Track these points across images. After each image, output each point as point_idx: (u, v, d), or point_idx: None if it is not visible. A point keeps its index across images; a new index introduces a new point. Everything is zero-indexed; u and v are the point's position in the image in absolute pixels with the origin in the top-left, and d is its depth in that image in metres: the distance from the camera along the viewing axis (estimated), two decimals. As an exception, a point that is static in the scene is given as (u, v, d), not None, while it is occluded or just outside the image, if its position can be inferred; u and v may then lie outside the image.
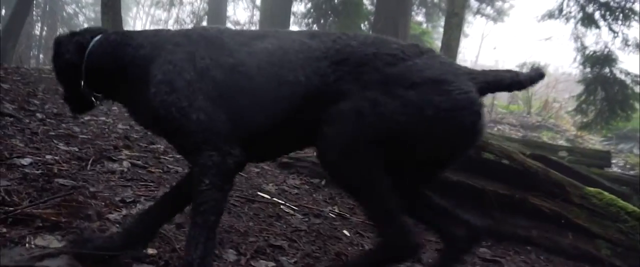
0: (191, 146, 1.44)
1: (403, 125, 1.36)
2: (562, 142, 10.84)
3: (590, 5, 9.68)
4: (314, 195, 3.04)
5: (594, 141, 11.37)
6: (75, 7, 22.85)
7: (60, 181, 2.23)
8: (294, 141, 1.60)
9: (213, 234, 1.39)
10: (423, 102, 1.36)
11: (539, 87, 14.00)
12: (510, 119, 12.34)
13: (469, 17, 18.02)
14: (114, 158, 2.79)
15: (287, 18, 12.76)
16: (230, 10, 18.89)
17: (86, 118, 4.38)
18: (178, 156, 3.34)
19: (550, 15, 10.29)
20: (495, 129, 11.28)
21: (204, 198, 1.38)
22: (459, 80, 1.39)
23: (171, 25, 20.88)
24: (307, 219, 2.49)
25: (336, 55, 1.46)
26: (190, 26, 19.64)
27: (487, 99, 12.91)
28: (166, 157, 3.20)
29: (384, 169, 1.40)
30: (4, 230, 1.57)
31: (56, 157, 2.55)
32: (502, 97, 14.70)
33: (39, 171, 2.27)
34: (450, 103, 1.36)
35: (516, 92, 14.27)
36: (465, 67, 1.48)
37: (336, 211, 2.77)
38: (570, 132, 11.87)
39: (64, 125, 3.90)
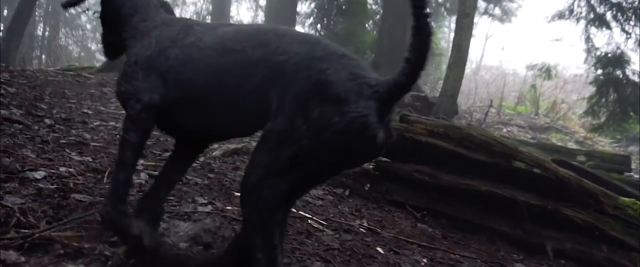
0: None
1: (305, 149, 1.28)
2: (571, 145, 10.69)
3: (601, 6, 9.52)
4: (340, 206, 2.89)
5: (603, 143, 11.20)
6: (78, 8, 22.70)
7: (77, 196, 2.08)
8: (239, 119, 1.53)
9: (128, 170, 1.61)
10: (324, 123, 1.26)
11: (546, 88, 13.86)
12: (518, 120, 12.19)
13: (475, 17, 17.90)
14: (130, 169, 2.63)
15: (292, 18, 12.61)
16: (233, 10, 18.73)
17: (95, 123, 4.23)
18: (195, 166, 3.20)
19: (560, 15, 10.13)
20: (504, 130, 11.12)
21: (121, 137, 1.66)
22: (360, 101, 1.26)
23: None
24: (338, 235, 2.34)
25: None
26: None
27: (496, 100, 12.75)
28: (183, 167, 3.04)
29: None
30: (22, 259, 1.42)
31: (70, 169, 2.40)
32: (510, 98, 14.55)
33: (54, 186, 2.12)
34: (343, 126, 1.25)
35: (524, 93, 14.12)
36: (374, 79, 1.32)
37: (365, 225, 2.62)
38: (580, 134, 11.71)
39: (73, 131, 3.75)
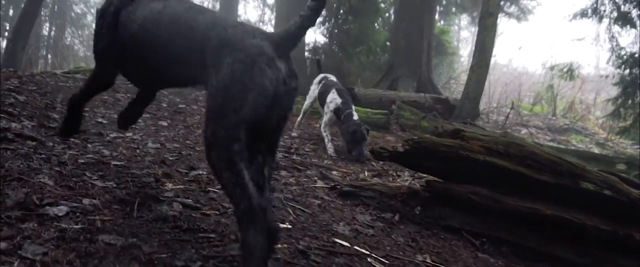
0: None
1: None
2: (592, 147, 10.34)
3: (627, 4, 9.15)
4: (393, 236, 2.56)
5: (624, 145, 10.84)
6: (84, 7, 22.41)
7: (106, 238, 1.75)
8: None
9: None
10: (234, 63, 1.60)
11: (563, 88, 13.48)
12: (535, 121, 11.82)
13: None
14: (160, 197, 2.31)
15: (303, 18, 12.23)
16: (240, 9, 18.37)
17: (112, 135, 3.91)
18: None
19: (583, 14, 9.77)
20: (523, 132, 10.77)
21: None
22: (254, 39, 1.64)
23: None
24: (404, 277, 2.01)
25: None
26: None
27: (511, 100, 12.39)
28: (214, 189, 2.72)
29: None
30: None
31: (95, 201, 2.08)
32: (524, 98, 14.18)
33: (79, 225, 1.80)
34: (244, 56, 1.59)
35: (540, 93, 13.73)
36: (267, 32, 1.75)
37: (429, 261, 2.29)
38: (600, 135, 11.35)
39: (90, 146, 3.43)
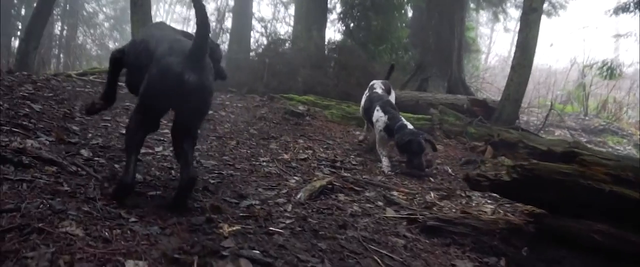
0: None
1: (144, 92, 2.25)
2: (630, 149, 9.70)
3: (673, -2, 8.48)
4: (507, 291, 2.00)
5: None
6: (96, 6, 21.95)
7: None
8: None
9: None
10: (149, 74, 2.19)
11: (594, 87, 12.80)
12: (568, 121, 11.16)
13: (511, 11, 16.78)
14: (220, 250, 1.76)
15: (323, 15, 11.64)
16: (255, 6, 17.79)
17: (141, 151, 3.37)
18: (289, 222, 2.32)
19: (624, 8, 9.09)
20: (557, 133, 10.14)
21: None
22: (169, 57, 2.16)
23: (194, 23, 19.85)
24: None
25: None
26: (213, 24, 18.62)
27: (540, 100, 11.75)
28: (277, 228, 2.17)
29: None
30: None
31: (141, 263, 1.53)
32: (550, 96, 13.50)
33: (125, 310, 1.26)
34: (157, 71, 2.15)
35: (571, 91, 13.06)
36: (184, 48, 2.20)
37: None
38: (637, 136, 10.68)
39: (117, 166, 2.90)
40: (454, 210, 3.04)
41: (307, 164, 3.96)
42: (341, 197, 3.07)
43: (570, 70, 13.16)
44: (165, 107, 2.32)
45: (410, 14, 13.79)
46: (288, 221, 2.33)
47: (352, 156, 4.51)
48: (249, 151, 4.07)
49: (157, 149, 3.52)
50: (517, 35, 7.78)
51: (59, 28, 20.29)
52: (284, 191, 2.94)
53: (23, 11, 20.61)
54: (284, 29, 19.32)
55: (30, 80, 5.02)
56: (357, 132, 5.48)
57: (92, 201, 2.06)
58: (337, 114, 5.87)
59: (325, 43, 11.52)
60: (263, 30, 17.40)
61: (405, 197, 3.33)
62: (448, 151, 5.17)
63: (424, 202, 3.23)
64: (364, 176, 3.85)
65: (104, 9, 22.66)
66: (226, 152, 3.85)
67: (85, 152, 3.02)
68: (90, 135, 3.58)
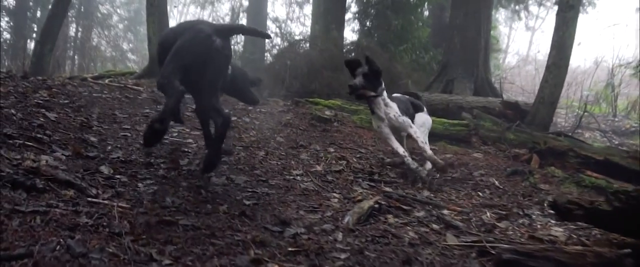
0: None
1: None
2: (666, 152, 9.16)
3: None
4: None
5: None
6: (110, 7, 21.82)
7: None
8: None
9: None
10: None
11: (621, 87, 12.27)
12: (596, 123, 10.65)
13: (533, 8, 16.27)
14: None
15: (342, 14, 11.26)
16: (269, 6, 17.50)
17: (165, 166, 3.05)
18: (342, 257, 1.97)
19: (661, 5, 8.56)
20: (587, 136, 9.65)
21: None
22: (202, 26, 2.72)
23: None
24: None
25: None
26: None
27: (565, 100, 11.27)
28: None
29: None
30: None
31: None
32: (576, 97, 12.98)
33: None
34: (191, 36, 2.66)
35: (599, 92, 12.53)
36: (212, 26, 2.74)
37: None
38: (671, 138, 10.13)
39: (141, 186, 2.57)
40: (519, 235, 2.66)
41: (343, 178, 3.61)
42: (391, 219, 2.71)
43: (596, 69, 12.62)
44: (192, 64, 2.65)
45: (426, 13, 13.40)
46: (343, 256, 1.97)
47: (389, 166, 4.14)
48: (279, 163, 3.72)
49: (182, 163, 3.19)
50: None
51: (74, 30, 20.18)
52: (329, 214, 2.59)
53: (38, 13, 20.54)
54: (299, 28, 19.03)
55: (45, 85, 4.73)
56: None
57: (117, 238, 1.72)
58: (366, 119, 5.49)
59: (344, 42, 11.17)
60: (278, 30, 17.14)
61: (459, 217, 2.96)
62: (488, 160, 4.78)
63: (482, 224, 2.85)
64: (406, 191, 3.49)
65: (118, 10, 22.54)
66: (256, 165, 3.51)
67: (105, 169, 2.70)
68: (109, 147, 3.25)
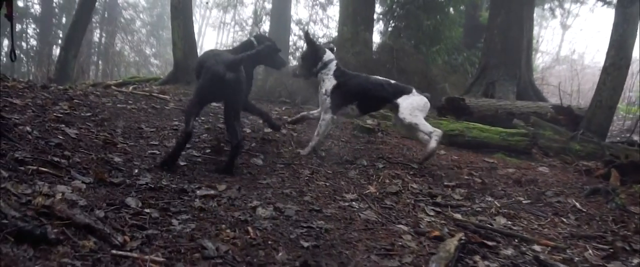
0: None
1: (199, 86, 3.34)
2: None
3: None
4: None
5: None
6: (133, 12, 21.70)
7: None
8: None
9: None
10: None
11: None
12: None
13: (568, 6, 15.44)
14: None
15: (371, 15, 10.70)
16: (292, 9, 17.05)
17: (200, 192, 2.56)
18: None
19: None
20: (636, 139, 8.87)
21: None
22: (215, 64, 3.14)
23: (232, 26, 19.38)
24: None
25: None
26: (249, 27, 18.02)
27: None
28: None
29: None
30: None
31: None
32: (623, 100, 12.15)
33: None
34: (206, 71, 3.14)
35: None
36: (225, 59, 3.18)
37: None
38: None
39: (176, 224, 2.08)
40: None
41: (402, 201, 3.07)
42: (480, 262, 2.17)
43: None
44: (212, 97, 3.34)
45: (452, 10, 12.74)
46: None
47: (448, 184, 3.60)
48: (328, 184, 3.21)
49: (220, 189, 2.70)
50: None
51: (98, 35, 20.09)
52: (408, 260, 2.06)
53: (64, 19, 20.52)
54: (322, 31, 18.54)
55: (65, 96, 4.31)
56: (442, 152, 4.55)
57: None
58: (412, 129, 4.95)
59: (372, 45, 10.61)
60: (301, 32, 16.68)
61: (556, 255, 2.40)
62: (557, 175, 4.18)
63: (591, 266, 2.28)
64: (479, 218, 2.94)
65: (141, 15, 22.42)
66: (303, 188, 3.00)
67: (132, 202, 2.23)
68: (136, 170, 2.79)
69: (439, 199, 3.23)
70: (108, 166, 2.77)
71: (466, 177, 3.90)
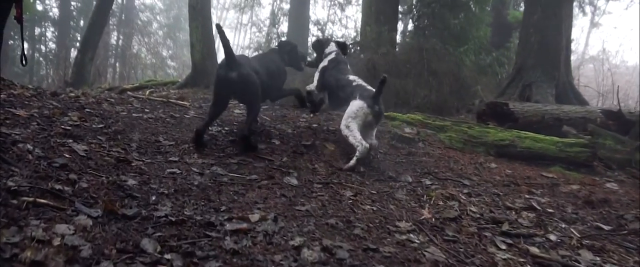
0: None
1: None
2: None
3: None
4: None
5: None
6: (150, 14, 21.45)
7: None
8: None
9: None
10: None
11: None
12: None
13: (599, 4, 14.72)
14: None
15: (395, 14, 10.16)
16: (310, 9, 16.58)
17: (230, 227, 2.09)
18: None
19: None
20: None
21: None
22: (221, 67, 3.46)
23: (249, 28, 19.01)
24: None
25: None
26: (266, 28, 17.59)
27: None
28: None
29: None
30: None
31: None
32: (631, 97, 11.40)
33: None
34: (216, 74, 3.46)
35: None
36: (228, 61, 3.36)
37: None
38: None
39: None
40: None
41: (466, 231, 2.57)
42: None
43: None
44: (228, 94, 3.53)
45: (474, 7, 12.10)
46: None
47: (511, 206, 3.07)
48: (375, 208, 2.72)
49: (253, 219, 2.22)
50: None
51: (115, 38, 19.88)
52: None
53: (82, 22, 20.36)
54: (340, 31, 18.04)
55: (76, 105, 3.89)
56: (493, 165, 4.02)
57: None
58: (456, 138, 4.42)
59: (396, 45, 10.07)
60: (319, 33, 16.21)
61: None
62: (630, 193, 3.62)
63: None
64: (559, 251, 2.42)
65: (158, 17, 22.17)
66: (349, 215, 2.51)
67: (149, 245, 1.76)
68: (153, 196, 2.33)
69: (506, 227, 2.71)
70: (120, 191, 2.31)
71: (527, 196, 3.37)
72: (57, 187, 2.08)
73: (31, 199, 1.90)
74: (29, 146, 2.52)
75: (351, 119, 3.49)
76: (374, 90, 3.55)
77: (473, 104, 7.33)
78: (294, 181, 2.98)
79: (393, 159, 3.92)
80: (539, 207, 3.13)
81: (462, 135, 4.46)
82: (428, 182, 3.42)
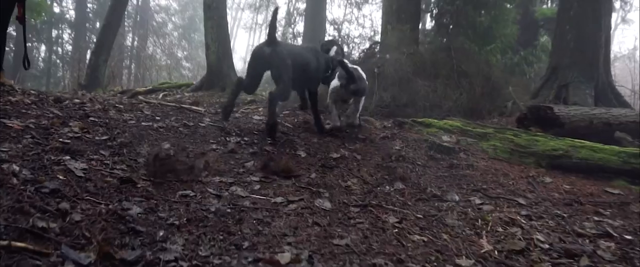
0: None
1: None
2: None
3: None
4: None
5: None
6: (165, 15, 21.20)
7: None
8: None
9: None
10: None
11: None
12: None
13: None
14: None
15: (417, 12, 9.62)
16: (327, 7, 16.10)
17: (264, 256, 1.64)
18: None
19: None
20: None
21: None
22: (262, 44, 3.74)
23: (264, 28, 18.59)
24: None
25: None
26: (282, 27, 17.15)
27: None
28: None
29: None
30: None
31: None
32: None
33: None
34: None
35: None
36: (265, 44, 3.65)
37: None
38: None
39: None
40: None
41: (539, 268, 2.07)
42: None
43: None
44: (260, 67, 3.71)
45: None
46: None
47: (582, 233, 2.56)
48: (426, 239, 2.25)
49: (283, 260, 1.76)
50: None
51: (131, 39, 19.67)
52: None
53: (97, 24, 20.18)
54: (357, 30, 17.54)
55: (80, 113, 3.47)
56: (547, 179, 3.50)
57: None
58: (502, 147, 3.91)
59: (418, 43, 9.53)
60: (336, 33, 15.72)
61: None
62: None
63: None
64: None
65: (173, 18, 21.91)
66: (397, 249, 2.04)
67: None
68: (161, 231, 1.88)
69: (585, 261, 2.21)
70: (121, 223, 1.87)
71: (596, 218, 2.86)
72: (40, 224, 1.65)
73: (5, 242, 1.48)
74: (15, 167, 2.10)
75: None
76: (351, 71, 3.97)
77: (505, 107, 6.79)
78: (327, 204, 2.52)
79: (433, 172, 3.43)
80: (615, 234, 2.62)
81: (507, 144, 3.94)
82: (478, 202, 2.92)
